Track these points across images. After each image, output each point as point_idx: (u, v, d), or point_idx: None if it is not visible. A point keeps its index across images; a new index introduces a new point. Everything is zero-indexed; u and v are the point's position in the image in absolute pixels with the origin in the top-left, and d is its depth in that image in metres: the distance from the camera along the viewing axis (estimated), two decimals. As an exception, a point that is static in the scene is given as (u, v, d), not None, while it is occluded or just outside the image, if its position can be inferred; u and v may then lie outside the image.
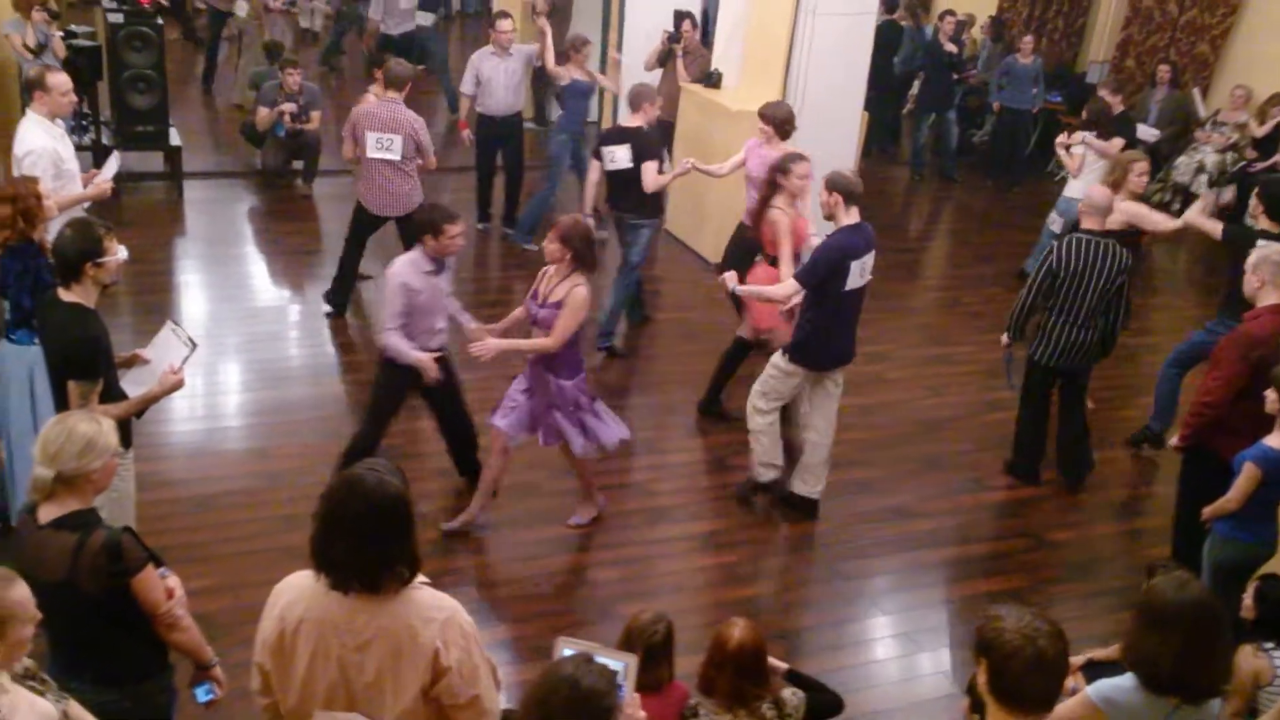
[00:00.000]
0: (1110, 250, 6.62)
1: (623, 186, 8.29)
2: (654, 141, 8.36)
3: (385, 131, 8.04)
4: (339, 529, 2.95)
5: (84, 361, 4.49)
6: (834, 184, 6.12)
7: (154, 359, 4.90)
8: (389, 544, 2.96)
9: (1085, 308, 6.67)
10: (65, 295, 4.57)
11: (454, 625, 3.04)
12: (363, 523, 2.93)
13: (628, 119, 8.42)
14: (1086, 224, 6.76)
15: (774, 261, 6.93)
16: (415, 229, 8.32)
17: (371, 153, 8.10)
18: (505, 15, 10.36)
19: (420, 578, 3.08)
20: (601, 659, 2.99)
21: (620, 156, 8.16)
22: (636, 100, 8.30)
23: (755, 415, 6.59)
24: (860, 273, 6.14)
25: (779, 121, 7.91)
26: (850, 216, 6.10)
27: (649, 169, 8.12)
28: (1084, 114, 9.96)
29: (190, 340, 4.83)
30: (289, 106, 10.87)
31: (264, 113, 11.00)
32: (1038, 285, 6.75)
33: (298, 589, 3.08)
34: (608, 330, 8.52)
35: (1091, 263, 6.59)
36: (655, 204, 8.45)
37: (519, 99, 10.28)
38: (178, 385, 4.73)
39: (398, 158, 8.07)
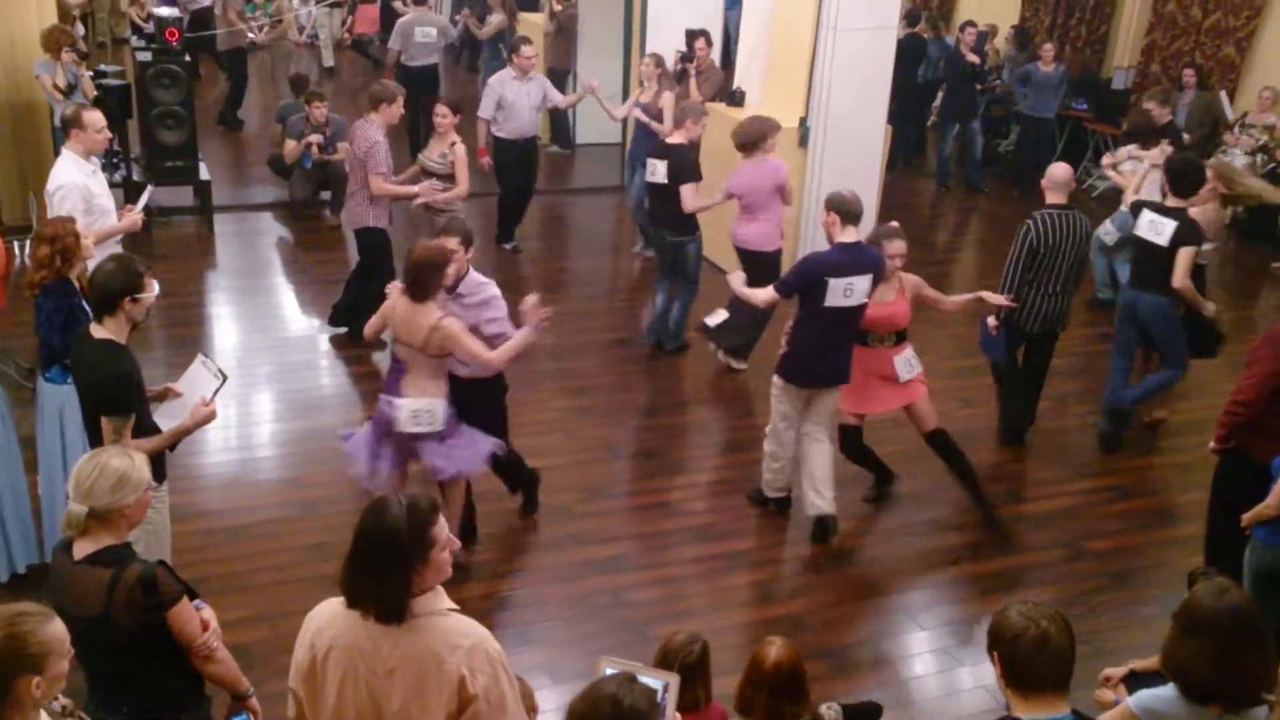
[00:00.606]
0: (1078, 221, 7.31)
1: (659, 201, 8.46)
2: (690, 161, 8.35)
3: (350, 144, 8.27)
4: (352, 547, 3.03)
5: (116, 397, 4.53)
6: (830, 203, 6.14)
7: (185, 392, 4.93)
8: (373, 573, 2.97)
9: (1060, 276, 7.30)
10: (97, 331, 4.61)
11: (480, 652, 3.02)
12: (361, 545, 3.00)
13: (672, 136, 8.50)
14: (1052, 199, 7.33)
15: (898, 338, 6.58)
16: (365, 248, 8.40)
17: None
18: (527, 41, 10.44)
19: (448, 604, 3.07)
20: (644, 678, 2.98)
21: (660, 171, 8.27)
22: (680, 117, 8.41)
23: (768, 439, 6.59)
24: (844, 292, 6.03)
25: (742, 136, 7.98)
26: (846, 235, 6.07)
27: (686, 191, 8.20)
28: (1124, 126, 9.81)
29: (221, 372, 4.86)
30: (315, 138, 10.98)
31: (291, 145, 11.11)
32: (1020, 261, 7.27)
33: (328, 616, 3.10)
34: (676, 331, 8.83)
35: (1065, 234, 7.24)
36: (690, 220, 8.47)
37: (537, 123, 10.40)
38: (210, 417, 4.76)
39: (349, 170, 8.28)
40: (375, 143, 8.04)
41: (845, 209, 6.08)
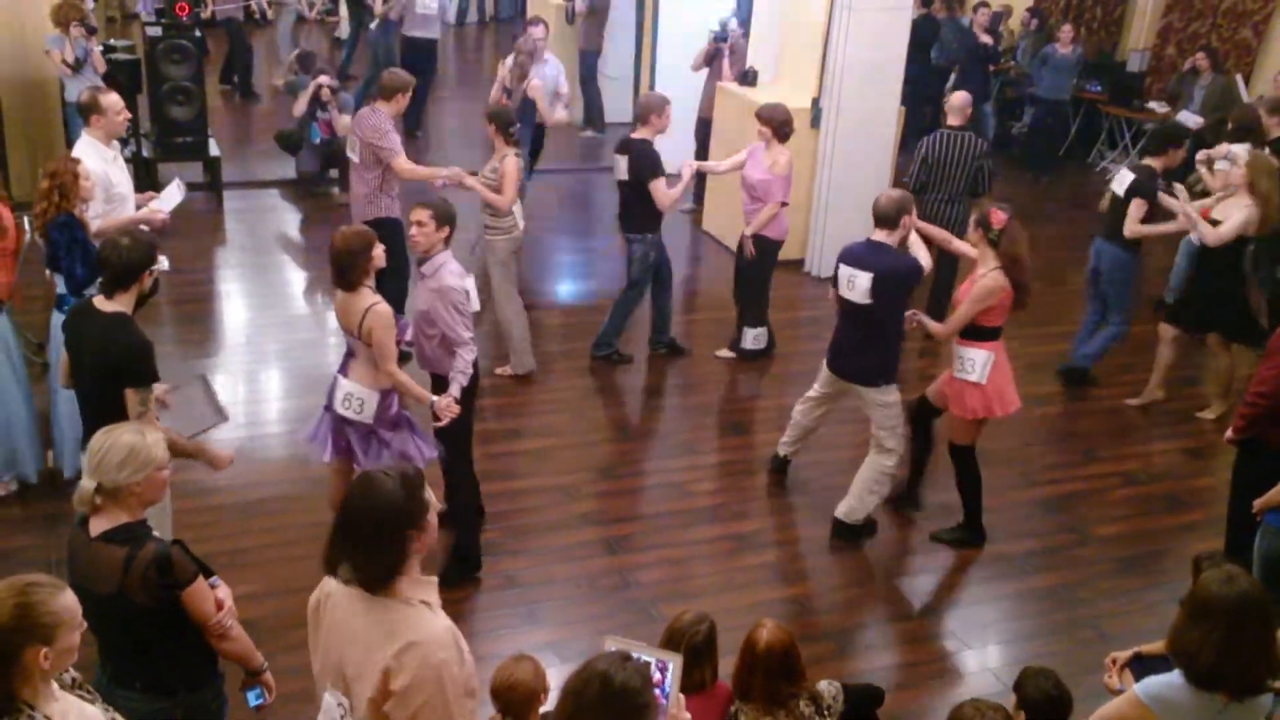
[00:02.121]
0: (967, 140, 8.47)
1: (622, 198, 8.12)
2: (648, 155, 7.81)
3: (352, 134, 7.86)
4: (341, 519, 3.07)
5: (138, 366, 4.53)
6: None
7: (174, 405, 4.96)
8: (363, 544, 3.01)
9: (953, 187, 8.45)
10: (105, 305, 4.60)
11: (414, 654, 2.95)
12: (350, 518, 3.03)
13: (637, 131, 7.98)
14: (950, 120, 8.55)
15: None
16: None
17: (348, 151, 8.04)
18: (536, 22, 10.39)
19: (424, 595, 3.06)
20: (643, 656, 2.97)
21: (621, 167, 7.88)
22: (644, 112, 7.96)
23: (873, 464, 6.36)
24: (847, 282, 6.02)
25: (777, 124, 7.86)
26: (877, 235, 6.07)
27: (657, 187, 7.73)
28: (1230, 124, 9.30)
29: (222, 409, 4.88)
30: (324, 79, 10.86)
31: (301, 99, 11.00)
32: (916, 174, 8.52)
33: None
34: (603, 340, 8.37)
35: (952, 150, 8.43)
36: (646, 219, 7.95)
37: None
38: (227, 462, 4.93)
39: (357, 159, 7.75)
40: (387, 130, 7.61)
41: (873, 210, 6.09)
